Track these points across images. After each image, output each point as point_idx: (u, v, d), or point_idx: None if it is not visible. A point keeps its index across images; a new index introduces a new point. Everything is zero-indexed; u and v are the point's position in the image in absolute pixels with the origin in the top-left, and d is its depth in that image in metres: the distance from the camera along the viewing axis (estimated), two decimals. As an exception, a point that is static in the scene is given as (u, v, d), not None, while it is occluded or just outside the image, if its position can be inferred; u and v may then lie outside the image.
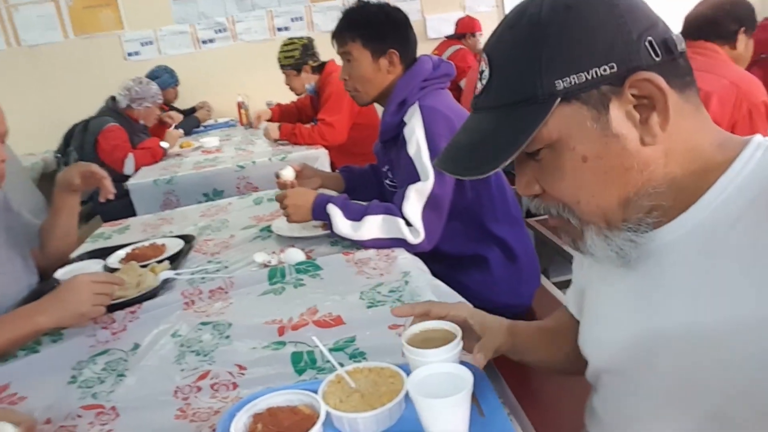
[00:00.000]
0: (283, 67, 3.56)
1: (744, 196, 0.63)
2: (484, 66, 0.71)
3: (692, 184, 0.67)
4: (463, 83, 4.11)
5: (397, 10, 1.78)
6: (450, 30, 4.84)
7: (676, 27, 0.86)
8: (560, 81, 0.64)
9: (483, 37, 4.54)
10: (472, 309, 0.97)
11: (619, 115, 0.65)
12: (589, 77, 0.64)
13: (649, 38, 0.64)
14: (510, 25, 0.70)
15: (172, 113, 3.68)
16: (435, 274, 1.58)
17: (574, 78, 0.64)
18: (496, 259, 1.80)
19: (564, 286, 2.70)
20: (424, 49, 1.83)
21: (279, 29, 4.92)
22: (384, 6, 1.78)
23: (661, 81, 0.64)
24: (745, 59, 2.10)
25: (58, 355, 1.24)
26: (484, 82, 0.71)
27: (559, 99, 0.64)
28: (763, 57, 2.65)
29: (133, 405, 1.03)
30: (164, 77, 4.32)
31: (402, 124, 1.70)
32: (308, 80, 3.51)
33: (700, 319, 0.65)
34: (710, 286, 0.64)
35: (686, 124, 0.67)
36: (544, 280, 2.03)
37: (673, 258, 0.68)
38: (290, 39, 3.57)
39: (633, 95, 0.65)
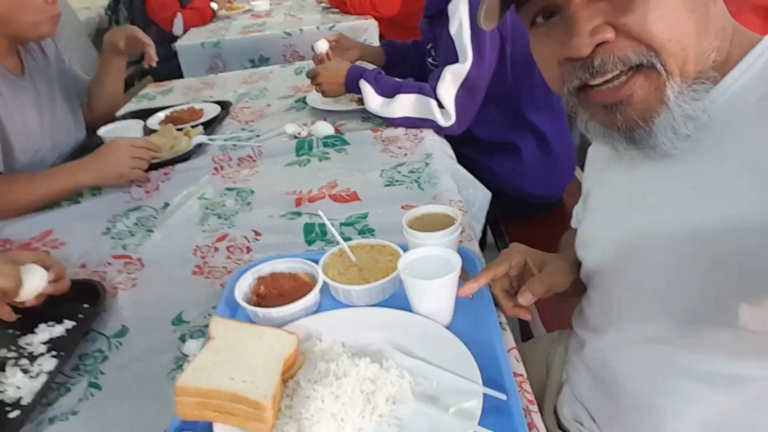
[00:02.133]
0: None
1: (748, 97, 0.61)
2: None
3: (719, 66, 0.64)
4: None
5: None
6: None
7: None
8: None
9: None
10: (530, 250, 0.90)
11: None
12: None
13: None
14: None
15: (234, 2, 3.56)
16: (465, 157, 1.57)
17: None
18: (529, 148, 1.76)
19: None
20: None
21: None
22: None
23: None
24: None
25: (96, 208, 1.34)
26: None
27: None
28: None
29: (157, 258, 1.12)
30: None
31: (448, 0, 1.62)
32: None
33: (694, 218, 0.64)
34: (708, 184, 0.63)
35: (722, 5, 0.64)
36: (578, 173, 1.99)
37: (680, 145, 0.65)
38: None
39: None
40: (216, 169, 1.44)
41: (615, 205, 0.77)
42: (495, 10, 0.68)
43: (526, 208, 1.84)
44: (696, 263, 0.64)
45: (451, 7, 1.58)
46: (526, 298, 0.81)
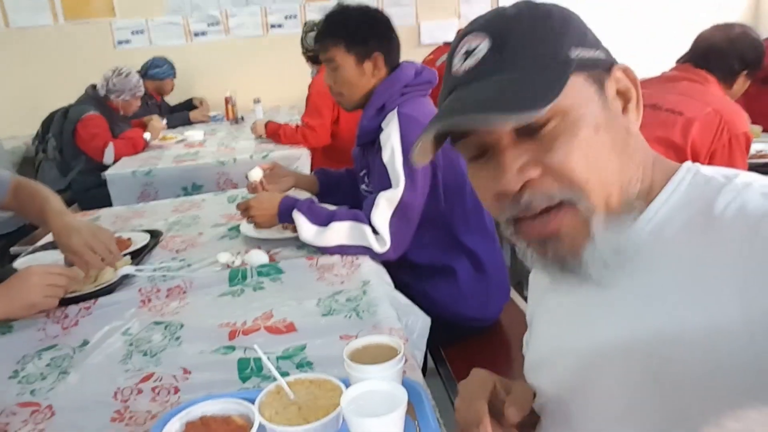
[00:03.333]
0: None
1: (675, 222, 0.64)
2: (478, 41, 0.67)
3: (643, 194, 0.68)
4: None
5: (379, 13, 1.75)
6: (445, 37, 4.82)
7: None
8: (573, 49, 0.65)
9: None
10: (493, 375, 0.85)
11: (611, 98, 0.67)
12: (591, 56, 0.66)
13: None
14: (503, 10, 0.69)
15: (155, 121, 3.59)
16: (402, 283, 1.57)
17: (581, 51, 0.65)
18: (464, 270, 1.79)
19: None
20: (417, 54, 1.81)
21: (272, 26, 4.89)
22: (365, 8, 1.76)
23: (635, 75, 0.68)
24: (735, 97, 2.10)
25: (4, 348, 1.22)
26: (479, 55, 0.66)
27: (573, 65, 0.64)
28: None
29: (70, 405, 1.01)
30: (165, 68, 4.28)
31: (379, 129, 1.68)
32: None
33: (636, 340, 0.64)
34: (643, 308, 0.64)
35: (638, 133, 0.70)
36: (513, 294, 2.02)
37: (612, 273, 0.67)
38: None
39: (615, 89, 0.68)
40: (143, 301, 1.37)
41: (560, 330, 0.78)
42: (428, 148, 0.70)
43: (464, 332, 1.83)
44: (648, 384, 0.64)
45: (383, 137, 1.65)
46: (513, 416, 0.74)
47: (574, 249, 0.65)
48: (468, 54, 0.67)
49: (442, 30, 4.93)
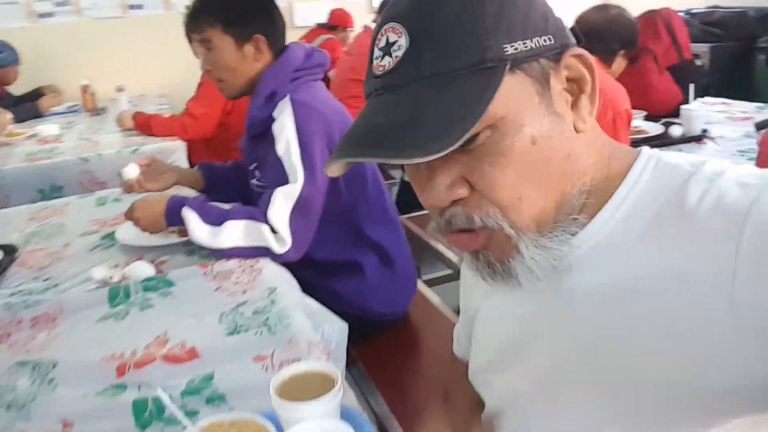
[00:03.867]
0: None
1: (643, 213, 0.60)
2: (396, 36, 0.57)
3: (601, 189, 0.63)
4: (332, 74, 3.98)
5: None
6: (319, 18, 4.69)
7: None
8: (508, 45, 0.55)
9: (353, 33, 4.41)
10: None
11: (557, 93, 0.59)
12: (533, 45, 0.57)
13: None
14: None
15: (1, 115, 3.15)
16: (305, 281, 1.45)
17: (520, 44, 0.56)
18: (371, 264, 1.71)
19: (436, 283, 2.71)
20: (290, 36, 1.68)
21: (131, 7, 4.47)
22: None
23: (592, 60, 0.60)
24: (614, 76, 2.18)
25: None
26: (398, 53, 0.57)
27: (508, 65, 0.55)
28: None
29: None
30: (5, 53, 3.75)
31: (271, 119, 1.53)
32: None
33: (600, 339, 0.61)
34: (614, 303, 0.60)
35: (594, 122, 0.63)
36: (421, 285, 1.97)
37: (574, 274, 0.63)
38: None
39: (565, 77, 0.60)
40: (0, 337, 1.13)
41: (512, 333, 0.72)
42: (340, 167, 0.60)
43: (373, 327, 1.76)
44: (614, 393, 0.60)
45: (275, 127, 1.51)
46: None
47: (502, 259, 0.61)
48: (387, 48, 0.58)
49: (316, 11, 4.79)
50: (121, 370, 1.00)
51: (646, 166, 0.62)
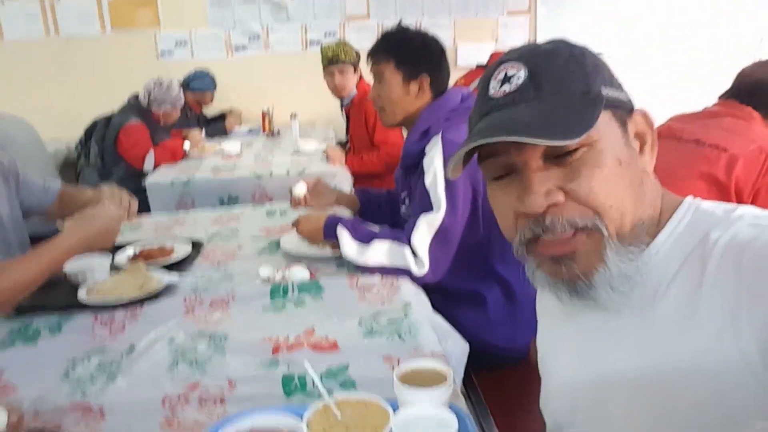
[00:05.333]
0: (342, 62, 3.37)
1: (678, 252, 0.69)
2: (515, 70, 0.70)
3: (650, 231, 0.72)
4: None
5: (435, 40, 1.79)
6: (481, 60, 4.83)
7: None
8: (603, 88, 0.70)
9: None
10: None
11: (631, 137, 0.72)
12: (618, 96, 0.71)
13: None
14: (539, 44, 0.74)
15: (195, 133, 3.68)
16: (431, 305, 1.57)
17: (609, 90, 0.70)
18: (494, 299, 1.78)
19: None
20: (452, 76, 1.84)
21: (311, 43, 4.97)
22: (422, 33, 1.80)
23: (652, 119, 0.74)
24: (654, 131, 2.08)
25: (55, 348, 1.26)
26: (518, 82, 0.70)
27: (604, 102, 0.68)
28: None
29: (120, 408, 1.04)
30: (206, 80, 4.40)
31: (422, 153, 1.70)
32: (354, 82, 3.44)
33: (638, 369, 0.69)
34: (645, 338, 0.69)
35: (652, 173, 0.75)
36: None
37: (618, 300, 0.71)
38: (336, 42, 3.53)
39: (634, 131, 0.73)
40: (186, 310, 1.40)
41: (570, 361, 0.81)
42: (459, 163, 0.74)
43: (495, 360, 1.82)
44: (657, 414, 0.68)
45: (426, 161, 1.67)
46: None
47: (586, 270, 0.69)
48: (506, 79, 0.71)
49: (478, 53, 4.93)
50: (275, 350, 1.20)
51: (685, 214, 0.72)
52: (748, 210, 0.67)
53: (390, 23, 1.94)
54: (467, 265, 1.74)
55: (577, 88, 0.68)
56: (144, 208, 2.82)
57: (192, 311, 1.39)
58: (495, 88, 0.72)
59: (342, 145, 3.68)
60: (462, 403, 0.99)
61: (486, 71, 0.75)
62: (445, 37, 5.39)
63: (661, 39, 5.17)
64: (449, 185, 1.60)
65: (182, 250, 1.77)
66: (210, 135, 4.15)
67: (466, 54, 5.12)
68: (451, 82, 1.87)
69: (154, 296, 1.45)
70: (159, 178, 3.04)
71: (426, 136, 1.70)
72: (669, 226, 0.71)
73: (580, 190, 0.67)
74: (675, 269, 0.68)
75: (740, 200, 1.93)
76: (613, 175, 0.67)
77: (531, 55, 0.72)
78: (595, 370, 0.75)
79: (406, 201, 1.83)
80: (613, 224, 0.68)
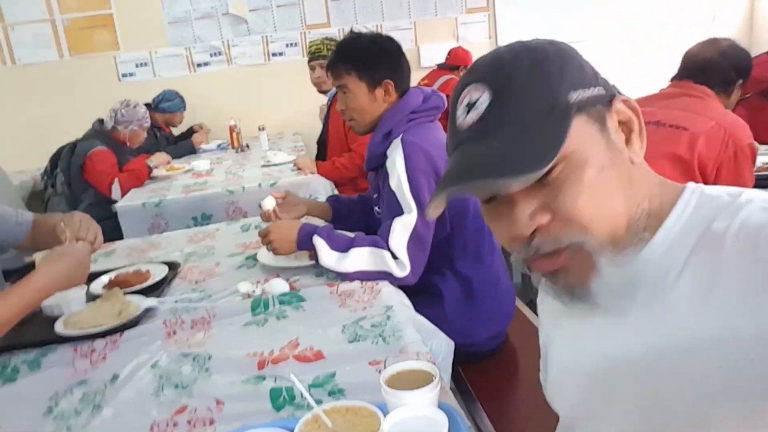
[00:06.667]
0: (323, 57, 3.30)
1: (686, 240, 0.67)
2: (479, 93, 0.69)
3: (652, 223, 0.70)
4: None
5: (390, 40, 1.80)
6: (442, 59, 4.85)
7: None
8: (572, 93, 0.67)
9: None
10: None
11: (613, 132, 0.70)
12: (591, 94, 0.68)
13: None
14: (500, 57, 0.71)
15: (161, 155, 3.65)
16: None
17: (580, 92, 0.67)
18: (451, 294, 1.78)
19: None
20: (416, 76, 1.86)
21: (274, 54, 4.97)
22: (377, 37, 1.81)
23: (636, 104, 0.71)
24: (731, 107, 2.15)
25: (35, 385, 1.23)
26: (481, 108, 0.68)
27: (574, 109, 0.66)
28: (747, 97, 2.71)
29: (108, 439, 1.02)
30: (176, 101, 4.37)
31: (385, 156, 1.71)
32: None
33: (649, 352, 0.68)
34: (661, 321, 0.67)
35: (643, 159, 0.73)
36: (527, 312, 2.03)
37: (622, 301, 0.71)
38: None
39: (617, 120, 0.71)
40: (168, 333, 1.38)
41: (573, 353, 0.81)
42: (442, 204, 0.72)
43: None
44: (661, 399, 0.68)
45: (388, 163, 1.68)
46: None
47: (582, 280, 0.68)
48: (470, 107, 0.69)
49: (441, 53, 4.97)
50: (261, 365, 1.20)
51: (690, 200, 0.70)
52: (753, 193, 0.66)
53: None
54: (429, 261, 1.71)
55: (542, 104, 0.66)
56: (116, 233, 2.79)
57: (173, 334, 1.38)
58: (461, 118, 0.70)
59: (317, 143, 3.62)
60: (452, 400, 1.00)
61: (453, 92, 0.74)
62: (406, 39, 5.50)
63: (614, 25, 5.27)
64: (414, 187, 1.61)
65: (159, 273, 1.75)
66: (179, 154, 4.12)
67: (429, 54, 5.16)
68: (414, 83, 1.88)
69: (134, 322, 1.43)
70: (129, 201, 3.00)
71: (388, 137, 1.71)
72: (673, 215, 0.70)
73: (563, 207, 0.66)
74: (684, 258, 0.67)
75: (704, 175, 1.98)
76: (595, 184, 0.66)
77: (492, 72, 0.69)
78: (597, 360, 0.75)
79: (378, 201, 1.84)
80: (601, 234, 0.67)
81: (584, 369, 0.78)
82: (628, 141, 0.71)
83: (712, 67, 2.07)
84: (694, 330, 0.64)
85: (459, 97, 0.72)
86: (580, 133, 0.66)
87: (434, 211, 0.72)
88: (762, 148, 2.50)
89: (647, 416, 0.70)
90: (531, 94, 0.67)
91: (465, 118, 0.70)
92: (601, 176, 0.66)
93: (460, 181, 0.66)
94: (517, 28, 5.25)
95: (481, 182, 0.66)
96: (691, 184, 0.72)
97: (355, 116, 1.80)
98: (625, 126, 0.71)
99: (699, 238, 0.66)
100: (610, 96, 0.70)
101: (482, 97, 0.68)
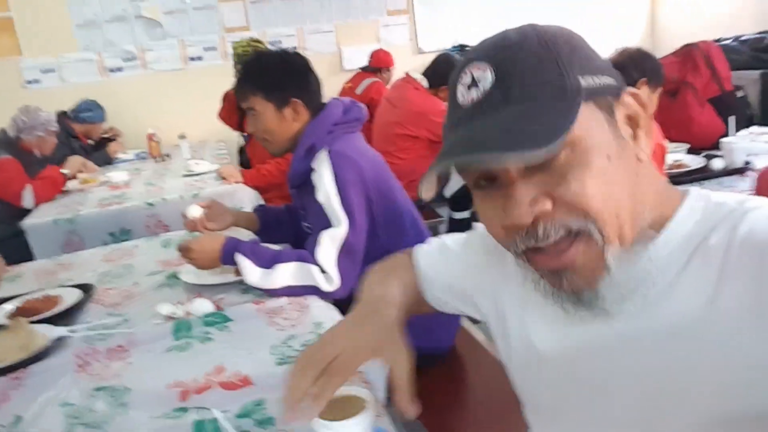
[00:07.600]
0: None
1: (691, 246, 0.64)
2: (481, 72, 0.65)
3: (656, 219, 0.68)
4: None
5: (296, 57, 1.75)
6: (365, 62, 4.84)
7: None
8: (582, 78, 0.63)
9: (396, 71, 4.52)
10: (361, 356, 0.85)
11: (621, 124, 0.67)
12: (600, 83, 0.65)
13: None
14: (507, 37, 0.67)
15: (75, 159, 3.45)
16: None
17: (590, 79, 0.64)
18: None
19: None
20: (340, 79, 1.81)
21: (192, 59, 4.80)
22: (281, 54, 1.76)
23: (644, 98, 0.68)
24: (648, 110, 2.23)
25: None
26: (485, 85, 0.64)
27: (584, 94, 0.62)
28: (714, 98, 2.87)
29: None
30: (95, 112, 4.14)
31: (310, 170, 1.66)
32: None
33: (653, 365, 0.65)
34: (665, 332, 0.64)
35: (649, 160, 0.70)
36: (465, 321, 2.03)
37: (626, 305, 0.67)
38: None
39: (624, 114, 0.68)
40: (80, 365, 1.28)
41: (559, 347, 0.75)
42: (434, 182, 0.67)
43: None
44: (662, 414, 0.66)
45: (315, 177, 1.63)
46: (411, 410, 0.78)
47: (590, 281, 0.64)
48: (472, 84, 0.65)
49: (363, 55, 4.97)
50: (183, 395, 1.12)
51: (695, 205, 0.67)
52: (759, 201, 0.64)
53: (272, 32, 1.87)
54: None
55: (550, 86, 0.62)
56: (24, 254, 2.59)
57: (86, 366, 1.27)
58: (463, 95, 0.66)
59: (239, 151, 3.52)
60: (386, 423, 0.96)
61: (453, 72, 0.69)
62: (328, 42, 5.46)
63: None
64: (343, 198, 1.58)
65: (70, 298, 1.63)
66: (98, 164, 3.90)
67: (351, 57, 5.14)
68: (338, 86, 1.84)
69: (41, 355, 1.31)
70: (38, 218, 2.80)
71: (311, 152, 1.66)
72: (677, 219, 0.66)
73: (568, 195, 0.61)
74: (684, 263, 0.64)
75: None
76: (602, 173, 0.62)
77: (497, 51, 0.65)
78: (594, 374, 0.71)
79: (306, 217, 1.78)
80: (608, 227, 0.62)
81: (572, 363, 0.73)
82: (634, 137, 0.68)
83: (618, 70, 2.15)
84: (693, 345, 0.62)
85: (459, 75, 0.67)
86: (589, 119, 0.63)
87: (427, 191, 0.67)
88: (671, 146, 2.62)
89: (637, 413, 0.68)
90: (538, 73, 0.63)
91: (467, 95, 0.66)
92: (608, 166, 0.63)
93: (463, 154, 0.62)
94: (436, 29, 5.32)
95: (486, 155, 0.60)
96: (695, 190, 0.69)
97: (267, 137, 1.75)
98: (631, 121, 0.68)
99: (704, 244, 0.63)
100: (619, 87, 0.68)
101: (485, 75, 0.64)
